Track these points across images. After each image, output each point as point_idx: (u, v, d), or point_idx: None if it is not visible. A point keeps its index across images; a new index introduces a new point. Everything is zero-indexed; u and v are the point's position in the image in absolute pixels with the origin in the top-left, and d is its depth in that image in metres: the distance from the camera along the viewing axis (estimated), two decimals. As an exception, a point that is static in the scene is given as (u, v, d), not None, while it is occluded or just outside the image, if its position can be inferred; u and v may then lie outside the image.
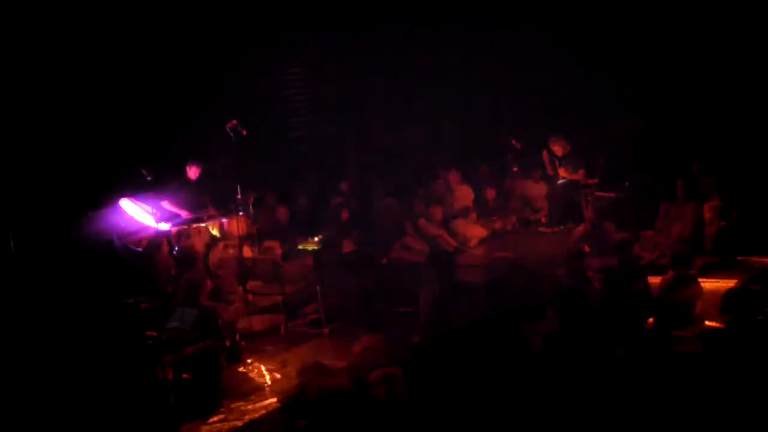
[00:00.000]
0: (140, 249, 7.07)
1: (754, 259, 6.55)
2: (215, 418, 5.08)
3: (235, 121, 6.52)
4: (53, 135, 7.81)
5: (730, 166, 8.11)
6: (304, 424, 4.73)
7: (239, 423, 5.01)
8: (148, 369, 5.00)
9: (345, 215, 9.33)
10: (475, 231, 9.13)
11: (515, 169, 10.05)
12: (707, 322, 5.54)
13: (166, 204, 7.56)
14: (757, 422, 4.02)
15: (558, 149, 9.29)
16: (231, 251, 7.28)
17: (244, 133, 6.51)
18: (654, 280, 5.82)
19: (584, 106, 9.84)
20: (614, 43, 9.57)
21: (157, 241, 7.11)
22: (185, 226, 7.42)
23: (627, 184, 8.31)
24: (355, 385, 4.81)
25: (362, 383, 4.79)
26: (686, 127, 9.00)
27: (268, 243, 7.71)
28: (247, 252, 7.26)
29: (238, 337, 6.11)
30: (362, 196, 9.64)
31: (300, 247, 7.28)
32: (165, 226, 7.12)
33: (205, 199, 7.95)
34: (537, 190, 10.01)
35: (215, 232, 7.65)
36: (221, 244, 7.50)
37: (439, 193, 9.63)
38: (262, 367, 5.82)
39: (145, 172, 7.39)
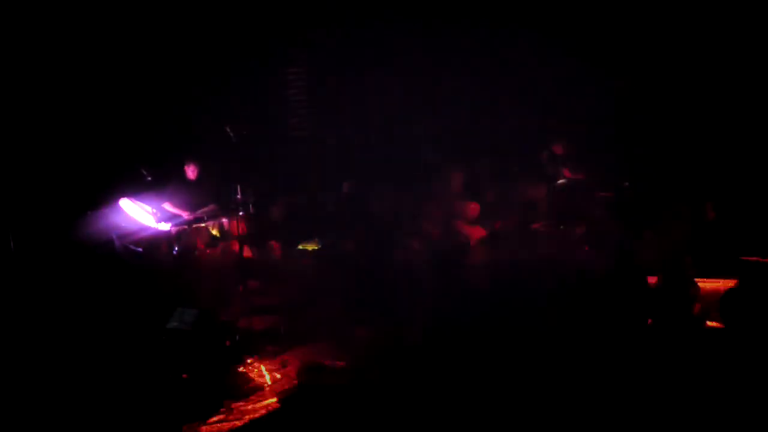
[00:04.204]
0: (140, 249, 7.07)
1: (754, 259, 6.55)
2: (215, 418, 5.08)
3: (234, 121, 6.51)
4: (53, 135, 7.80)
5: (730, 166, 8.11)
6: (304, 424, 4.74)
7: (239, 423, 5.01)
8: (148, 369, 5.01)
9: (345, 215, 9.33)
10: (475, 231, 9.13)
11: (515, 169, 10.03)
12: (707, 323, 5.54)
13: (167, 206, 7.56)
14: (757, 422, 4.02)
15: (558, 149, 9.29)
16: (231, 251, 7.28)
17: (244, 133, 6.51)
18: (653, 280, 5.82)
19: (585, 105, 9.84)
20: (615, 43, 9.56)
21: (157, 241, 7.11)
22: (185, 226, 7.42)
23: (627, 184, 8.31)
24: (355, 383, 4.83)
25: (362, 384, 4.81)
26: (687, 127, 9.00)
27: (269, 243, 7.71)
28: (247, 252, 7.25)
29: (238, 337, 6.11)
30: (363, 196, 9.63)
31: (300, 247, 7.27)
32: (165, 226, 7.12)
33: (205, 199, 7.94)
34: (537, 190, 9.99)
35: (215, 232, 7.64)
36: (221, 244, 7.50)
37: (440, 192, 9.62)
38: (262, 367, 5.82)
39: (145, 172, 7.39)
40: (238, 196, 6.67)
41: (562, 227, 9.19)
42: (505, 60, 10.37)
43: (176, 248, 7.21)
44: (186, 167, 7.94)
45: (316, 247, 6.95)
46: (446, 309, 5.38)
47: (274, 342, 6.36)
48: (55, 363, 4.96)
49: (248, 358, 5.96)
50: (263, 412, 5.15)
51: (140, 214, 7.05)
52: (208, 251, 7.47)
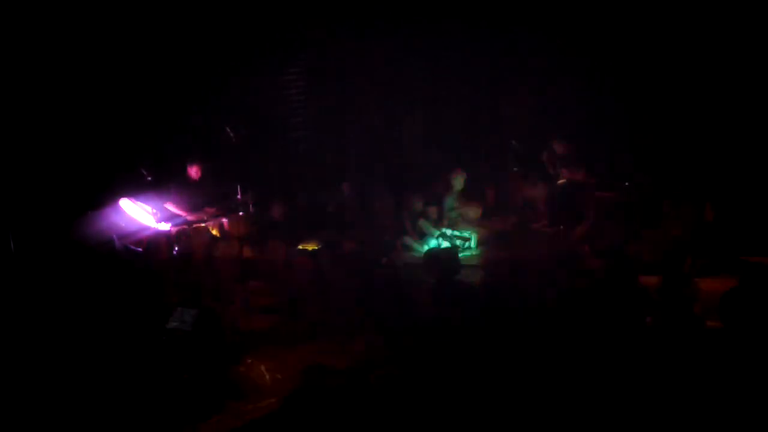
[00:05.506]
0: (140, 249, 7.08)
1: (754, 259, 6.55)
2: (215, 418, 5.08)
3: (235, 121, 6.53)
4: (53, 135, 7.81)
5: (730, 166, 8.12)
6: (304, 424, 4.74)
7: (239, 423, 5.01)
8: (148, 369, 5.01)
9: (345, 215, 9.34)
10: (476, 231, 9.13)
11: (515, 169, 10.05)
12: (708, 323, 5.54)
13: (169, 206, 7.57)
14: (757, 423, 4.02)
15: (559, 149, 9.30)
16: (231, 251, 7.29)
17: (245, 133, 6.52)
18: (653, 280, 5.82)
19: (585, 105, 9.85)
20: (615, 43, 9.57)
21: (157, 241, 7.12)
22: (185, 226, 7.43)
23: (627, 184, 8.31)
24: (355, 385, 4.83)
25: (362, 384, 4.81)
26: (686, 127, 9.01)
27: (272, 242, 7.72)
28: (247, 252, 7.26)
29: (238, 337, 6.11)
30: (363, 196, 9.64)
31: (300, 247, 7.28)
32: (165, 226, 7.12)
33: (205, 199, 7.95)
34: (536, 191, 10.00)
35: (215, 232, 7.65)
36: (221, 244, 7.51)
37: (440, 193, 9.63)
38: (262, 367, 5.82)
39: (145, 172, 7.40)
40: (238, 196, 6.68)
41: (562, 227, 9.20)
42: (505, 60, 10.39)
43: (176, 248, 7.21)
44: (189, 167, 7.95)
45: (316, 247, 6.96)
46: (445, 310, 5.38)
47: (274, 342, 6.37)
48: (56, 363, 4.96)
49: (248, 358, 5.96)
50: (263, 412, 5.15)
51: (140, 214, 7.06)
52: (208, 251, 7.48)
